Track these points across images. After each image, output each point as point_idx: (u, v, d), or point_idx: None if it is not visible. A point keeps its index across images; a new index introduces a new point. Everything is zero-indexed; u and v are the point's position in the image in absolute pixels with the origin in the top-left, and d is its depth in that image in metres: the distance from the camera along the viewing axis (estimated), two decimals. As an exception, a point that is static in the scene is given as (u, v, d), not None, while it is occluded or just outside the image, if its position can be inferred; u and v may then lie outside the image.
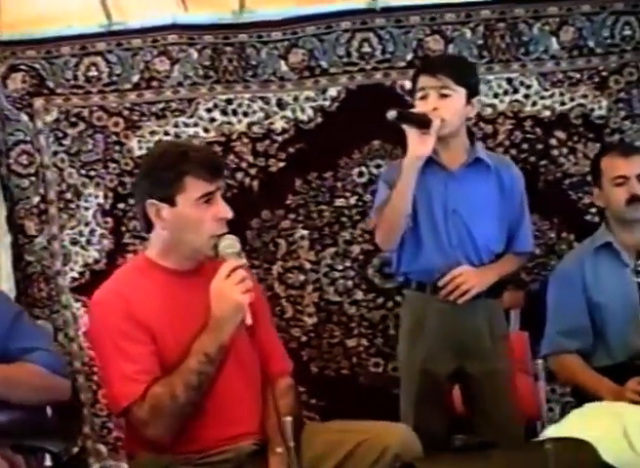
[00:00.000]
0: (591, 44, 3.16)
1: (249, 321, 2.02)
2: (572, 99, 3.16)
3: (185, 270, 2.18)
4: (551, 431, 1.83)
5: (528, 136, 3.17)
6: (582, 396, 2.66)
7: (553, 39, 3.14)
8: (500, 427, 2.58)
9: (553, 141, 3.17)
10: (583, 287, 2.69)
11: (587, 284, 2.69)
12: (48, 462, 2.38)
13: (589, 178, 3.12)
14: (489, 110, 3.15)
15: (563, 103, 3.16)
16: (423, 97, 2.53)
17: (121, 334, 2.08)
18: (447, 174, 2.57)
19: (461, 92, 2.54)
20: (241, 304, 2.02)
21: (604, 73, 3.17)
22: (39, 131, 3.19)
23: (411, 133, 2.46)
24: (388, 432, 2.13)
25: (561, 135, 3.17)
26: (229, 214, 2.15)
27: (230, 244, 2.10)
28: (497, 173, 2.62)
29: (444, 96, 2.51)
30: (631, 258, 2.63)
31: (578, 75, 3.16)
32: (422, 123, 2.45)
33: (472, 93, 2.59)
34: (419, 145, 2.45)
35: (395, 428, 2.19)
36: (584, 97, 3.16)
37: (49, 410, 2.29)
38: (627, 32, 3.15)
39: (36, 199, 3.22)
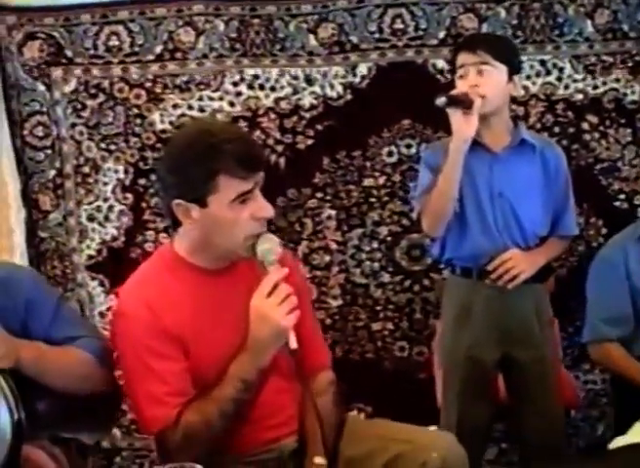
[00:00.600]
0: (625, 28, 3.13)
1: (293, 345, 1.85)
2: (604, 84, 3.13)
3: (219, 269, 2.01)
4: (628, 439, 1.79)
5: (560, 119, 3.14)
6: (621, 385, 2.69)
7: (588, 21, 3.11)
8: (545, 414, 2.58)
9: (585, 126, 3.14)
10: (627, 274, 2.68)
11: (630, 271, 2.68)
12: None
13: (620, 164, 3.17)
14: (521, 92, 3.07)
15: (596, 87, 3.14)
16: (463, 76, 2.51)
17: (149, 351, 1.92)
18: (491, 156, 2.56)
19: (502, 68, 2.52)
20: (285, 328, 1.85)
21: (637, 58, 3.14)
22: (56, 101, 3.10)
23: (455, 115, 2.44)
24: (431, 444, 1.97)
25: (593, 119, 3.14)
26: (270, 212, 1.94)
27: (271, 249, 1.90)
28: (541, 154, 2.61)
29: (483, 72, 2.48)
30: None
31: (611, 59, 3.13)
32: (465, 103, 2.42)
33: (513, 70, 2.57)
34: (464, 127, 2.43)
35: (439, 440, 2.03)
36: (617, 81, 3.14)
37: (88, 400, 2.06)
38: (662, 16, 3.17)
39: (52, 173, 3.14)
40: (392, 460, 1.96)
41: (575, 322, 3.11)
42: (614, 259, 2.71)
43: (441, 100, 2.40)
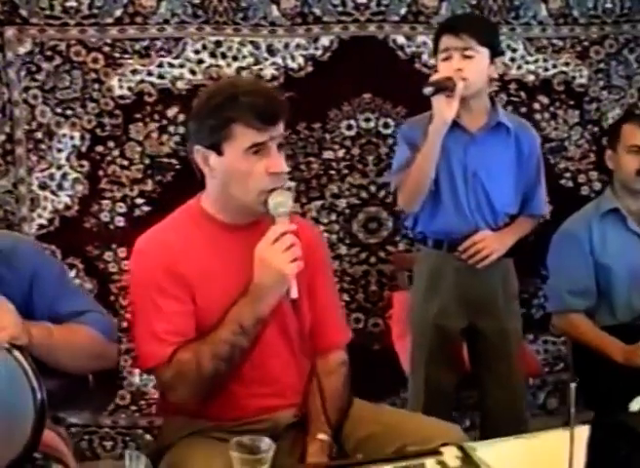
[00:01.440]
0: (576, 14, 3.33)
1: (294, 294, 1.91)
2: (555, 66, 3.33)
3: (240, 224, 2.06)
4: None
5: (512, 98, 3.31)
6: (583, 354, 2.87)
7: (542, 5, 3.29)
8: (506, 385, 2.74)
9: (536, 106, 3.33)
10: (591, 249, 2.86)
11: (594, 246, 2.86)
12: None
13: (567, 144, 3.38)
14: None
15: (546, 69, 3.32)
16: (447, 59, 2.59)
17: (158, 290, 1.99)
18: (468, 137, 2.66)
19: (485, 52, 2.61)
20: (286, 275, 1.90)
21: (585, 43, 3.35)
22: (9, 63, 3.01)
23: (437, 98, 2.51)
24: (436, 436, 1.93)
25: (544, 100, 3.33)
26: (284, 167, 2.00)
27: (282, 202, 1.96)
28: (516, 136, 2.73)
29: (467, 56, 2.57)
30: (636, 224, 2.86)
31: (561, 43, 3.33)
32: (448, 88, 2.51)
33: (495, 53, 2.66)
34: (445, 110, 2.51)
35: (445, 431, 2.01)
36: (567, 64, 3.33)
37: (91, 379, 2.06)
38: (609, 5, 3.34)
39: (1, 138, 3.05)
40: (398, 450, 1.93)
41: (521, 294, 3.25)
42: (579, 235, 2.88)
43: (428, 90, 2.49)
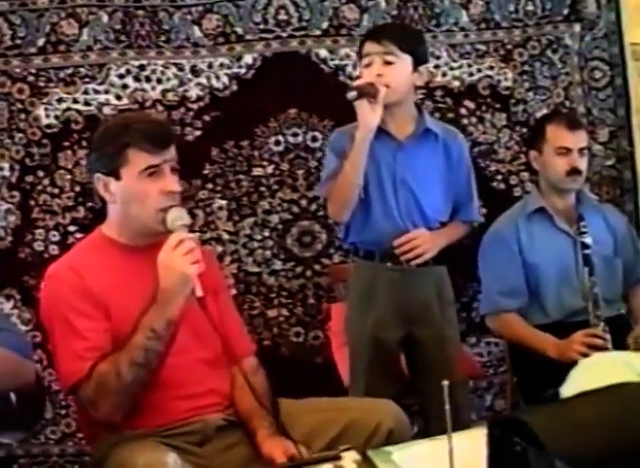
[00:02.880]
0: (498, 18, 3.48)
1: (199, 292, 2.09)
2: (479, 71, 3.46)
3: (140, 246, 2.25)
4: (570, 388, 2.06)
5: (439, 105, 3.44)
6: (519, 353, 3.01)
7: (463, 12, 3.44)
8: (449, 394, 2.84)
9: (463, 111, 3.46)
10: (519, 249, 2.98)
11: (523, 246, 2.99)
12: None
13: (496, 147, 3.52)
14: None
15: (471, 74, 3.46)
16: (369, 65, 2.69)
17: (72, 310, 2.15)
18: (396, 144, 2.75)
19: (406, 59, 2.70)
20: (189, 275, 2.09)
21: (509, 46, 3.49)
22: None
23: (361, 105, 2.61)
24: (378, 408, 2.24)
25: (470, 104, 3.47)
26: (176, 187, 2.22)
27: (178, 216, 2.17)
28: (444, 143, 2.83)
29: (388, 62, 2.67)
30: (563, 222, 2.99)
31: (485, 47, 3.47)
32: (371, 93, 2.61)
33: (419, 61, 2.74)
34: (369, 116, 2.61)
35: (384, 404, 2.28)
36: (491, 68, 3.47)
37: (13, 397, 2.19)
38: (530, 8, 3.48)
39: None
40: (345, 427, 2.17)
41: (461, 298, 3.41)
42: (506, 235, 3.01)
43: (352, 95, 2.58)
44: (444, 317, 2.86)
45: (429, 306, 2.82)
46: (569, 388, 1.99)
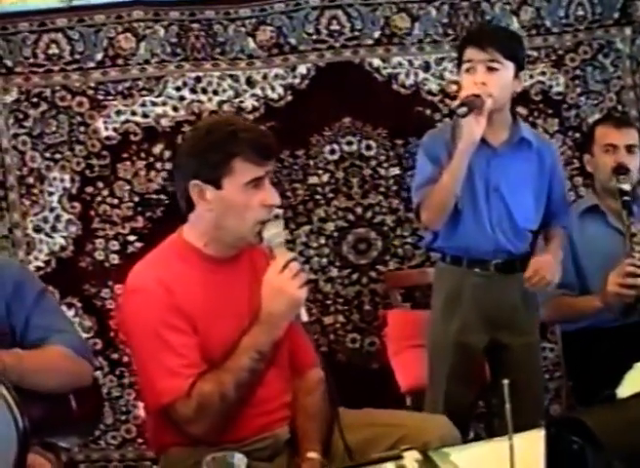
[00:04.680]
0: (548, 24, 3.54)
1: (304, 317, 2.12)
2: (531, 77, 3.53)
3: (224, 258, 2.22)
4: (627, 389, 2.11)
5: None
6: (574, 357, 3.08)
7: (514, 18, 3.51)
8: (528, 399, 2.71)
9: (515, 117, 3.57)
10: (571, 245, 3.02)
11: (575, 243, 3.03)
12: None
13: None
14: (455, 87, 3.40)
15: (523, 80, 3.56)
16: (470, 70, 2.66)
17: (165, 325, 2.10)
18: (490, 151, 2.73)
19: (510, 66, 2.67)
20: (299, 300, 2.09)
21: (560, 51, 3.56)
22: (-3, 112, 3.30)
23: (467, 118, 2.57)
24: (428, 426, 2.21)
25: (523, 110, 3.52)
26: (278, 200, 2.18)
27: (277, 233, 2.15)
28: (538, 152, 2.82)
29: (492, 69, 2.63)
30: (616, 221, 3.01)
31: (536, 53, 3.54)
32: (477, 106, 2.58)
33: (519, 67, 2.72)
34: (474, 129, 2.58)
35: (435, 421, 2.28)
36: (543, 74, 3.55)
37: (73, 402, 2.26)
38: (581, 12, 3.55)
39: (-6, 186, 3.33)
40: (394, 444, 2.11)
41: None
42: None
43: (462, 111, 2.53)
44: (530, 323, 2.88)
45: (515, 312, 2.83)
46: (625, 390, 2.03)
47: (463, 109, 2.54)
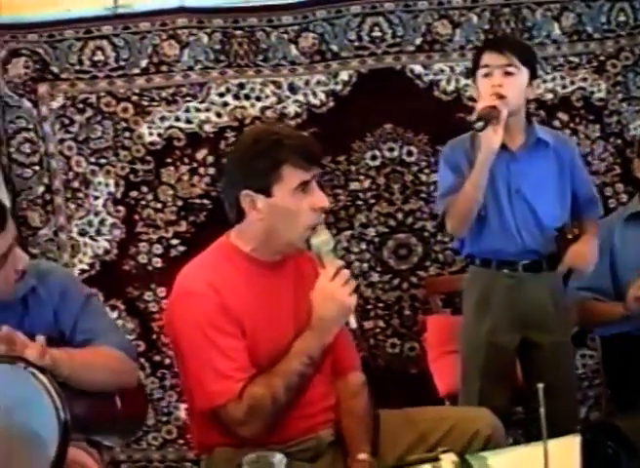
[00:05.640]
0: (590, 29, 3.55)
1: (353, 324, 2.17)
2: (572, 83, 3.55)
3: (271, 262, 2.26)
4: None
5: (532, 118, 3.53)
6: (613, 365, 3.08)
7: (555, 24, 3.52)
8: (561, 398, 2.69)
9: (556, 123, 3.54)
10: (610, 251, 3.02)
11: (614, 249, 3.02)
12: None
13: (590, 158, 3.57)
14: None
15: (564, 87, 3.55)
16: (487, 75, 2.74)
17: (215, 328, 2.15)
18: (509, 155, 2.80)
19: (525, 72, 2.77)
20: (350, 306, 2.14)
21: (601, 57, 3.57)
22: (43, 117, 3.36)
23: (485, 130, 2.66)
24: (476, 416, 2.32)
25: (564, 117, 3.55)
26: (327, 202, 2.24)
27: (326, 240, 2.19)
28: (555, 150, 2.88)
29: (509, 73, 2.72)
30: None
31: (577, 59, 3.55)
32: (494, 116, 2.65)
33: (533, 75, 2.82)
34: (493, 139, 2.66)
35: (480, 412, 2.37)
36: (584, 80, 3.56)
37: (118, 401, 2.32)
38: (622, 18, 3.56)
39: (40, 189, 3.39)
40: (446, 435, 2.23)
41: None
42: (600, 237, 2.97)
43: (479, 125, 2.62)
44: (561, 322, 2.93)
45: (545, 311, 2.89)
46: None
47: (480, 124, 2.63)
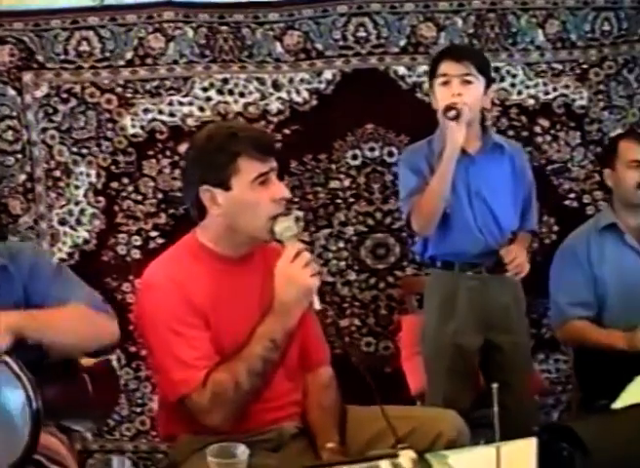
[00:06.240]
0: (574, 37, 3.58)
1: (317, 305, 2.16)
2: (555, 89, 3.58)
3: (237, 257, 2.31)
4: (624, 401, 2.16)
5: (513, 123, 3.56)
6: (586, 370, 3.10)
7: (539, 31, 3.55)
8: (520, 400, 2.88)
9: (537, 129, 3.58)
10: (589, 263, 3.08)
11: (592, 261, 3.08)
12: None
13: (570, 165, 3.61)
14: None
15: (547, 93, 3.58)
16: (446, 83, 2.85)
17: (178, 320, 2.19)
18: (467, 158, 2.90)
19: (481, 80, 2.88)
20: (310, 288, 2.14)
21: (585, 65, 3.60)
22: (27, 106, 3.36)
23: (451, 125, 2.77)
24: (440, 418, 2.31)
25: (545, 123, 3.59)
26: (287, 193, 2.27)
27: (289, 226, 2.21)
28: (510, 156, 3.00)
29: (467, 82, 2.83)
30: (634, 239, 3.07)
31: (560, 66, 3.59)
32: (459, 110, 2.77)
33: (489, 83, 2.93)
34: (457, 134, 2.77)
35: (446, 414, 2.36)
36: (566, 87, 3.59)
37: (89, 387, 2.29)
38: (606, 28, 3.59)
39: (22, 177, 3.39)
40: (406, 436, 2.16)
41: (530, 314, 3.48)
42: (577, 249, 3.11)
43: (452, 114, 2.75)
44: (520, 324, 3.03)
45: (508, 312, 2.98)
46: (622, 401, 2.08)
47: (453, 112, 2.75)
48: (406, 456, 1.91)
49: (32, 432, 1.95)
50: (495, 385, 1.65)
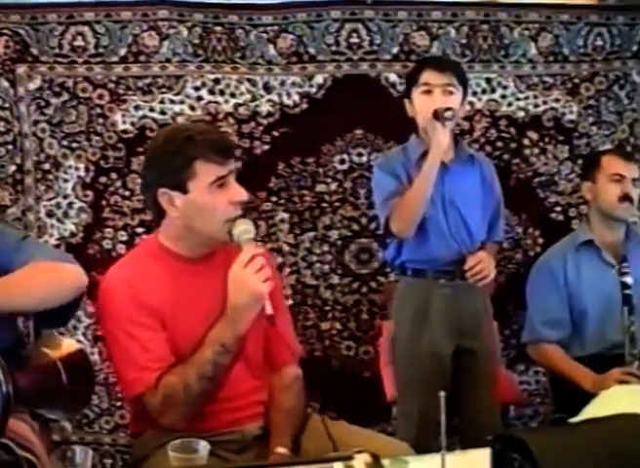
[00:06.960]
0: (566, 52, 3.62)
1: (269, 310, 2.13)
2: (545, 103, 3.61)
3: (197, 257, 2.32)
4: (583, 415, 2.18)
5: (502, 134, 3.60)
6: (560, 385, 3.11)
7: (532, 44, 3.59)
8: (484, 408, 2.98)
9: (526, 141, 3.61)
10: (565, 281, 3.11)
11: (569, 278, 3.11)
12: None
13: (557, 178, 3.64)
14: (467, 107, 3.41)
15: (537, 106, 3.61)
16: (427, 92, 2.90)
17: (131, 322, 2.23)
18: (442, 167, 2.93)
19: (461, 92, 2.95)
20: (261, 293, 2.14)
21: (576, 80, 3.63)
22: (20, 98, 3.39)
23: (437, 125, 2.83)
24: (384, 448, 2.08)
25: (533, 135, 3.62)
26: (245, 196, 2.26)
27: (246, 229, 2.21)
28: (479, 167, 3.07)
29: (449, 92, 2.89)
30: (610, 256, 3.10)
31: (551, 80, 3.62)
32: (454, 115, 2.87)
33: (465, 95, 2.99)
34: (443, 136, 2.83)
35: (394, 446, 2.27)
36: (557, 101, 3.62)
37: (64, 377, 2.28)
38: (599, 43, 3.62)
39: (12, 168, 3.42)
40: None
41: (512, 325, 3.57)
42: (553, 266, 3.14)
43: (449, 114, 2.82)
44: (489, 331, 3.08)
45: (479, 319, 3.04)
46: (582, 415, 2.11)
47: (450, 112, 2.82)
48: (360, 460, 1.92)
49: (1, 417, 1.95)
50: (442, 394, 1.67)
